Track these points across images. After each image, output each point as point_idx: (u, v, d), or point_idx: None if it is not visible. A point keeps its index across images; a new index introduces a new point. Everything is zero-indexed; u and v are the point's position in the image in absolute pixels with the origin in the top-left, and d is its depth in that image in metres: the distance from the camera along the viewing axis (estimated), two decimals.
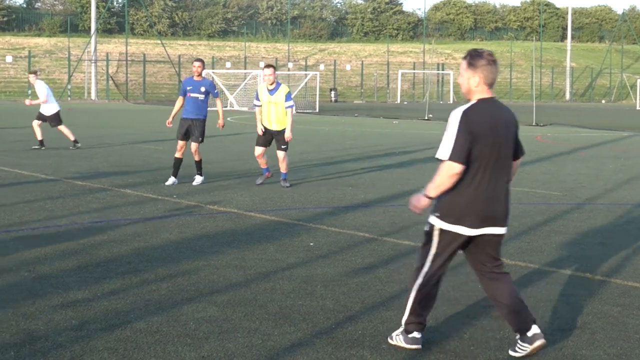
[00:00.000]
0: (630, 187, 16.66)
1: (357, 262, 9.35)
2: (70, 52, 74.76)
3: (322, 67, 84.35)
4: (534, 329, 6.20)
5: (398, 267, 9.13)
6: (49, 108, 23.12)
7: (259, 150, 15.61)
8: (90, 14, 77.68)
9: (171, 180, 15.61)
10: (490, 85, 6.20)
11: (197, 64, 16.13)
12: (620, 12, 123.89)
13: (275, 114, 15.54)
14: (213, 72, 60.43)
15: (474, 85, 6.17)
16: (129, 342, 6.42)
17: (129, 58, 76.32)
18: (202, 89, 15.87)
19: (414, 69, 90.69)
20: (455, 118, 6.10)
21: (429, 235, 6.35)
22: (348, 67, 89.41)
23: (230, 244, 10.25)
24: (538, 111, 45.26)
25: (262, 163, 15.74)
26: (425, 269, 6.35)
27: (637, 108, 71.81)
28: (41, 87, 23.27)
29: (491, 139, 6.08)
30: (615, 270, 9.18)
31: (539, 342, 6.16)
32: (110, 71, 75.48)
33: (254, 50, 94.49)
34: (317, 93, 59.24)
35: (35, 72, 24.01)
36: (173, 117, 16.24)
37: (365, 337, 6.65)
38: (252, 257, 9.49)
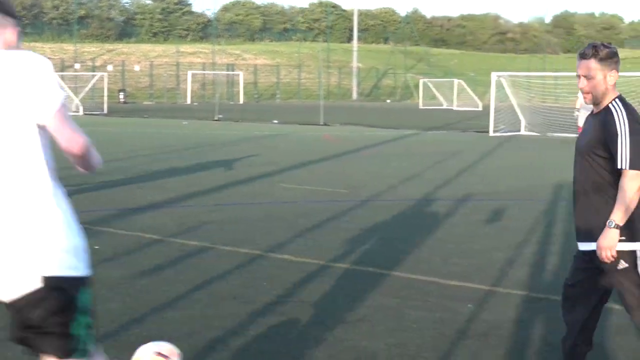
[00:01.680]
0: (412, 184, 17.27)
1: (143, 264, 9.27)
2: None
3: (110, 67, 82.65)
4: None
5: (185, 268, 9.12)
6: None
7: None
8: None
9: None
10: None
11: None
12: (403, 14, 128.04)
13: None
14: None
15: (612, 83, 5.20)
16: None
17: None
18: None
19: (203, 70, 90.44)
20: (621, 122, 5.06)
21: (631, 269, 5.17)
22: (137, 68, 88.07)
23: None
24: (325, 111, 46.13)
25: None
26: None
27: (420, 107, 74.45)
28: None
29: None
30: (395, 264, 9.51)
31: None
32: None
33: (40, 51, 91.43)
34: (105, 94, 58.06)
35: None
36: None
37: (150, 339, 6.58)
38: None
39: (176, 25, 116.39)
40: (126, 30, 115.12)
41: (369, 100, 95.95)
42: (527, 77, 47.79)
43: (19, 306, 3.55)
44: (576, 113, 28.80)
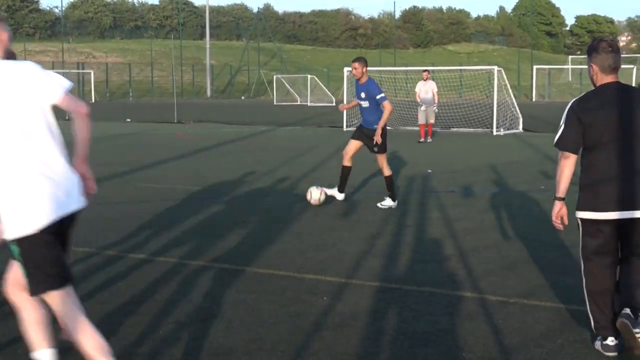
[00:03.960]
0: (267, 179, 17.33)
1: None
2: None
3: None
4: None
5: None
6: None
7: None
8: None
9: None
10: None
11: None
12: (255, 10, 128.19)
13: None
14: None
15: (593, 73, 6.30)
16: None
17: None
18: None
19: (53, 69, 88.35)
20: (567, 108, 6.33)
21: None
22: None
23: None
24: (179, 108, 45.83)
25: None
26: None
27: (275, 103, 74.70)
28: None
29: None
30: (251, 259, 9.54)
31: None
32: None
33: None
34: None
35: None
36: None
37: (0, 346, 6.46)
38: None
39: (23, 23, 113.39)
40: None
41: (223, 97, 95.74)
42: (378, 71, 48.60)
43: None
44: (422, 107, 29.32)
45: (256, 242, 10.60)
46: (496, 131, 32.93)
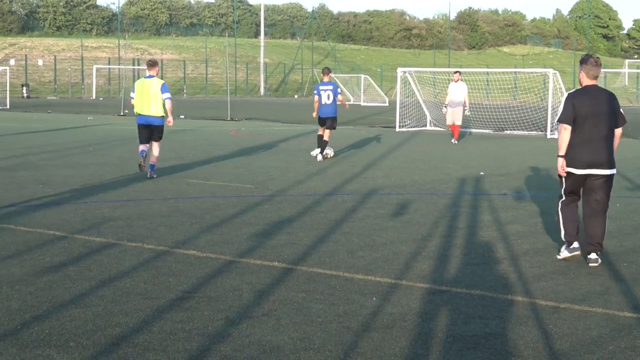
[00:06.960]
0: (318, 178, 17.35)
1: (46, 261, 9.13)
2: None
3: (12, 62, 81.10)
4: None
5: (89, 264, 9.01)
6: None
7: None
8: None
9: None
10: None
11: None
12: (310, 9, 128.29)
13: None
14: None
15: (581, 78, 9.63)
16: None
17: None
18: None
19: (109, 65, 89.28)
20: (564, 98, 9.65)
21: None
22: (40, 62, 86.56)
23: None
24: (233, 106, 45.92)
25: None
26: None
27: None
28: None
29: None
30: (301, 258, 9.56)
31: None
32: None
33: None
34: (8, 89, 56.91)
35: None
36: None
37: (52, 336, 6.52)
38: None
39: (80, 19, 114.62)
40: (29, 23, 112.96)
41: (276, 96, 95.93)
42: (432, 72, 48.37)
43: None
44: (444, 109, 29.23)
45: (306, 241, 10.60)
46: (550, 134, 32.63)
